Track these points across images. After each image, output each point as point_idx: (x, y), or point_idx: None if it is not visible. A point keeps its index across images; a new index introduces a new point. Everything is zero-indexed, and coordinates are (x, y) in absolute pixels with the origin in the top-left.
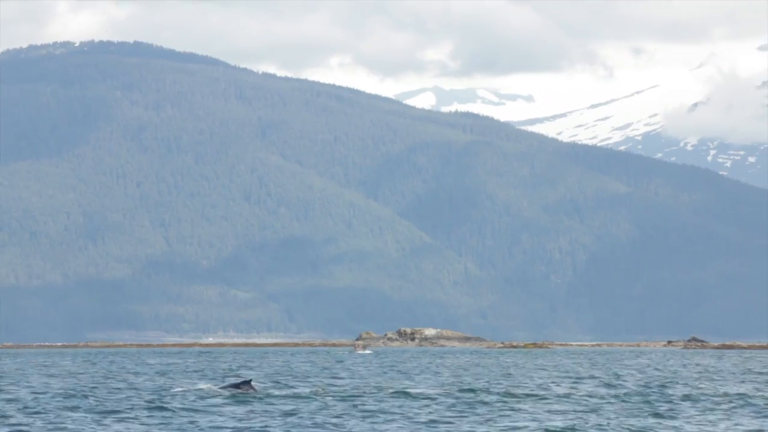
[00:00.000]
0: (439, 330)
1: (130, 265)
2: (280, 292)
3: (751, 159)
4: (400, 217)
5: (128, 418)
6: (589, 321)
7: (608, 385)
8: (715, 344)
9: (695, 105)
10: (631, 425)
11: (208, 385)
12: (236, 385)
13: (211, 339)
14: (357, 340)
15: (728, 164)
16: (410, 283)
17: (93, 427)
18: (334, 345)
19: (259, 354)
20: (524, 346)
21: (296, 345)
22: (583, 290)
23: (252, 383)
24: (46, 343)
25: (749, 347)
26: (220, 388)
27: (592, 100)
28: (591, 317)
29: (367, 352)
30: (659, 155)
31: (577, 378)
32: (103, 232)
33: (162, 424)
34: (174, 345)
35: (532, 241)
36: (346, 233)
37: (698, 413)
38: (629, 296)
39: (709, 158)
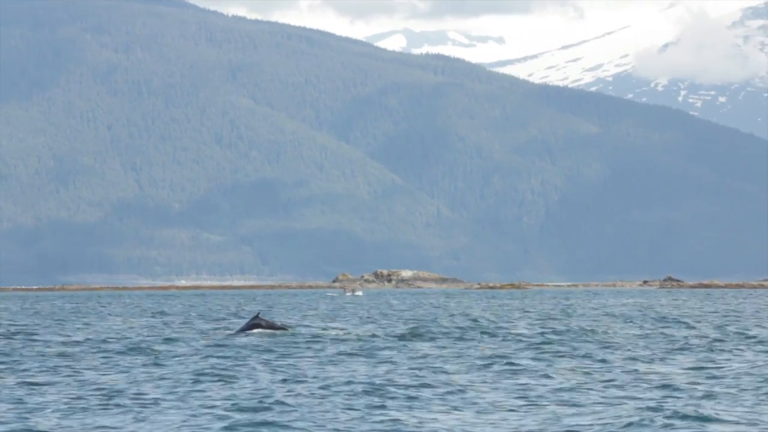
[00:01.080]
0: (415, 271)
1: (102, 209)
2: (253, 235)
3: (722, 99)
4: (372, 159)
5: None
6: (561, 262)
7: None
8: (691, 283)
9: (666, 45)
10: None
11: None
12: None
13: (183, 282)
14: (334, 281)
15: (699, 104)
16: (382, 225)
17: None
18: (310, 287)
19: (248, 296)
20: (501, 287)
21: (272, 287)
22: (555, 231)
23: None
24: (21, 287)
25: (726, 286)
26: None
27: (563, 41)
28: (563, 258)
29: (359, 293)
30: (630, 96)
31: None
32: (74, 176)
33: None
34: (150, 288)
35: (503, 183)
36: (318, 176)
37: None
38: (601, 237)
39: (680, 99)
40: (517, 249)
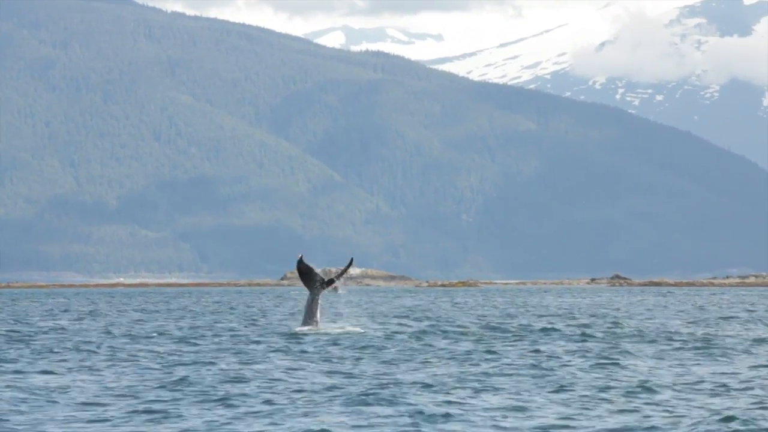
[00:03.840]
0: (363, 269)
1: (39, 205)
2: (191, 232)
3: (659, 97)
4: (311, 155)
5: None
6: (500, 259)
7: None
8: (639, 281)
9: (603, 44)
10: None
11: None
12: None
13: (122, 279)
14: (282, 279)
15: (636, 103)
16: (321, 222)
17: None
18: (258, 285)
19: (215, 294)
20: (453, 285)
21: (220, 285)
22: (494, 228)
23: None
24: None
25: (676, 284)
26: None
27: (501, 39)
28: (501, 256)
29: (341, 291)
30: (568, 94)
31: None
32: (11, 172)
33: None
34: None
35: (442, 180)
36: (257, 172)
37: None
38: (539, 234)
39: (618, 97)
40: (455, 246)
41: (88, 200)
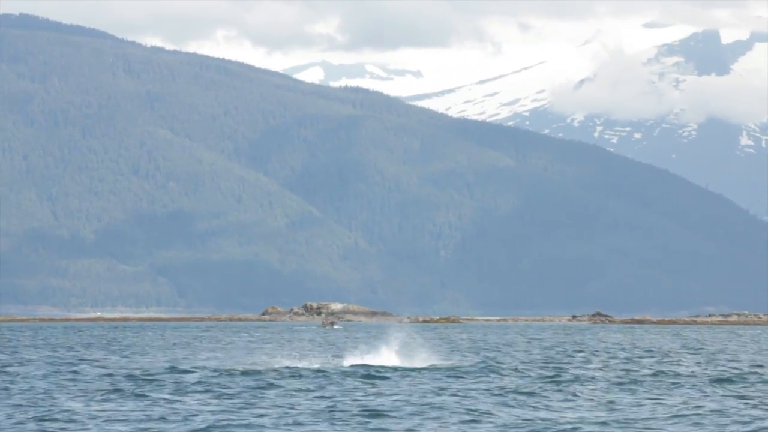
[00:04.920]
0: (345, 304)
1: (17, 239)
2: (169, 267)
3: (637, 135)
4: (290, 191)
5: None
6: (478, 295)
7: None
8: (620, 319)
9: (582, 81)
10: None
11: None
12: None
13: (98, 313)
14: (263, 314)
15: (614, 140)
16: (299, 257)
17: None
18: (239, 319)
19: (218, 328)
20: (435, 321)
21: (202, 320)
22: (472, 265)
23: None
24: None
25: (658, 322)
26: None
27: (481, 75)
28: (479, 292)
29: (337, 327)
30: (547, 131)
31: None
32: None
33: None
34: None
35: (421, 216)
36: (235, 207)
37: None
38: (517, 271)
39: (596, 134)
40: (433, 282)
41: (65, 234)
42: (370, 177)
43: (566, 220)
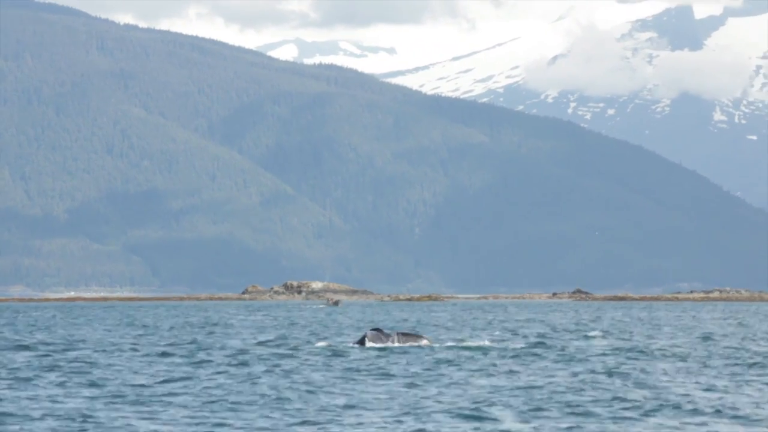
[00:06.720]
0: (325, 283)
1: None
2: (143, 246)
3: (611, 111)
4: (264, 169)
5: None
6: (452, 273)
7: None
8: (601, 296)
9: (555, 58)
10: None
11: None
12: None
13: (72, 293)
14: (243, 293)
15: (588, 116)
16: (274, 235)
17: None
18: (220, 299)
19: (202, 308)
20: (417, 299)
21: (182, 299)
22: (446, 242)
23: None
24: None
25: (641, 299)
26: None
27: (454, 52)
28: (453, 269)
29: (341, 306)
30: (520, 107)
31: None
32: None
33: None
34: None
35: (395, 193)
36: (210, 185)
37: None
38: (491, 248)
39: (570, 111)
40: (407, 259)
41: (39, 213)
42: (344, 154)
43: (540, 197)
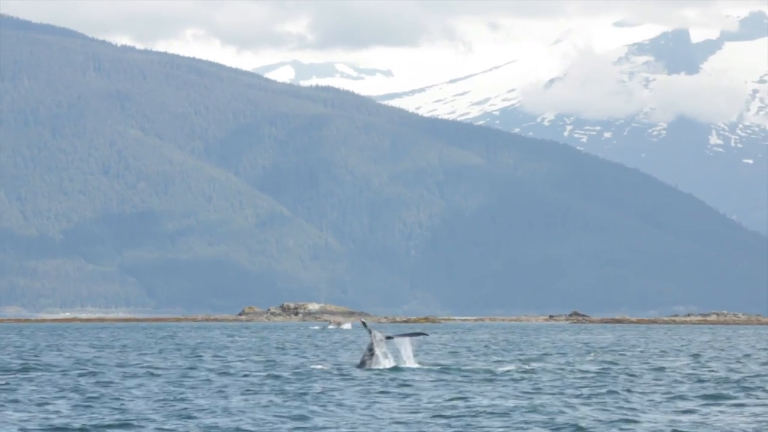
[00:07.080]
0: (322, 304)
1: None
2: (139, 267)
3: (607, 134)
4: (260, 190)
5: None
6: (447, 295)
7: None
8: (598, 318)
9: (552, 81)
10: None
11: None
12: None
13: (67, 314)
14: (240, 315)
15: (584, 139)
16: (269, 257)
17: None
18: (216, 320)
19: (208, 328)
20: (414, 321)
21: (178, 320)
22: (442, 264)
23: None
24: None
25: (638, 322)
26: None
27: (451, 75)
28: (449, 291)
29: (346, 327)
30: (517, 130)
31: None
32: None
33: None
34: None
35: (391, 215)
36: (206, 207)
37: None
38: (488, 271)
39: (566, 133)
40: (403, 282)
41: (34, 234)
42: (340, 176)
43: (536, 219)
